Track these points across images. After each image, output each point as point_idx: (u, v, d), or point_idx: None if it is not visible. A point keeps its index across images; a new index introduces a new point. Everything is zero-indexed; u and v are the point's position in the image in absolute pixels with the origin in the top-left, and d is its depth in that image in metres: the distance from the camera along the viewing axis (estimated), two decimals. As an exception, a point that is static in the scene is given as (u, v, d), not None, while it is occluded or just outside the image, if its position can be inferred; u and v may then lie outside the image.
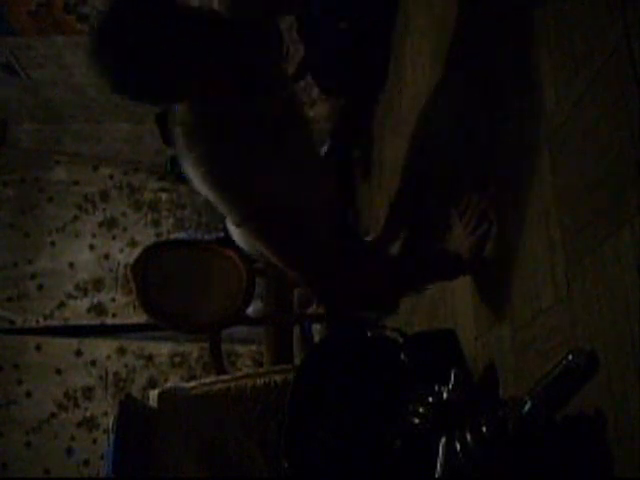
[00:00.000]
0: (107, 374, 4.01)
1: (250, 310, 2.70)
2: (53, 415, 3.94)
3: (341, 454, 1.22)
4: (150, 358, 4.04)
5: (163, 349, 4.04)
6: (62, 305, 4.12)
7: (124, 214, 4.29)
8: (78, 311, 4.12)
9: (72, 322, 4.10)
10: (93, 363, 4.03)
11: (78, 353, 4.04)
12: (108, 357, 4.03)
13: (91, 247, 4.24)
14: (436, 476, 1.03)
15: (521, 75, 1.19)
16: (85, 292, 4.15)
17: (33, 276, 4.16)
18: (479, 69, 1.42)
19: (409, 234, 1.94)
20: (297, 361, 2.98)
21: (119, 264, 4.18)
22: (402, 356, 1.30)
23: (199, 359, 4.01)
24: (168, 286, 2.51)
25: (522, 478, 0.97)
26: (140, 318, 3.87)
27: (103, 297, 4.14)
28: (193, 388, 2.19)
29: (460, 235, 1.42)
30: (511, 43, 1.25)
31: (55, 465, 3.85)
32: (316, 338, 3.22)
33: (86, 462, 3.86)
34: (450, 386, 1.11)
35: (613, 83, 0.87)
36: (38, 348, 4.03)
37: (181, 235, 4.22)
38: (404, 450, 1.13)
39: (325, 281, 1.45)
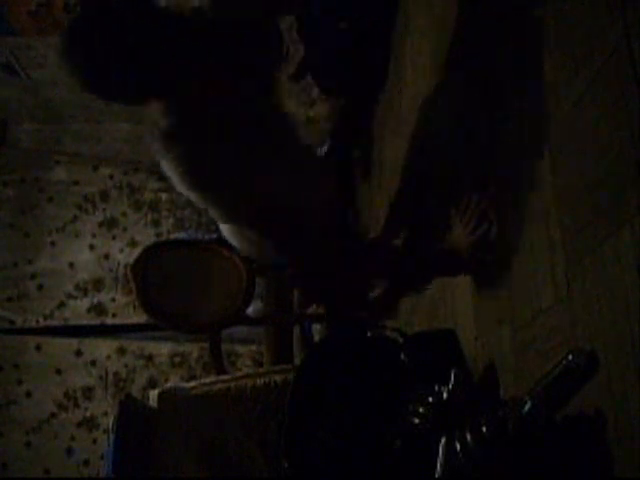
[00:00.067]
0: (107, 374, 4.01)
1: (250, 310, 2.69)
2: (53, 415, 3.94)
3: (341, 454, 1.22)
4: (150, 358, 4.04)
5: (163, 349, 4.04)
6: (62, 305, 4.12)
7: (124, 214, 4.29)
8: (78, 311, 4.12)
9: (72, 322, 4.10)
10: (93, 363, 4.03)
11: (78, 353, 4.04)
12: (108, 357, 4.03)
13: (91, 247, 4.24)
14: (436, 476, 1.03)
15: (521, 75, 1.19)
16: (85, 292, 4.15)
17: (33, 276, 4.15)
18: (479, 69, 1.42)
19: (409, 234, 1.94)
20: (297, 361, 2.98)
21: (119, 264, 4.18)
22: (402, 356, 1.30)
23: (199, 359, 4.01)
24: (168, 286, 2.51)
25: (522, 478, 0.97)
26: (140, 318, 3.87)
27: (103, 297, 4.14)
28: (193, 388, 2.19)
29: (460, 235, 1.42)
30: (511, 43, 1.25)
31: (55, 465, 3.85)
32: (316, 338, 3.22)
33: (86, 462, 3.86)
34: (450, 386, 1.11)
35: (613, 83, 0.87)
36: (38, 348, 4.03)
37: (181, 235, 4.22)
38: (404, 450, 1.13)
39: (324, 281, 1.45)
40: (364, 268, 1.49)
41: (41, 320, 4.08)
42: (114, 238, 4.25)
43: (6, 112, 4.23)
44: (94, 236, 4.25)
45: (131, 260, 2.70)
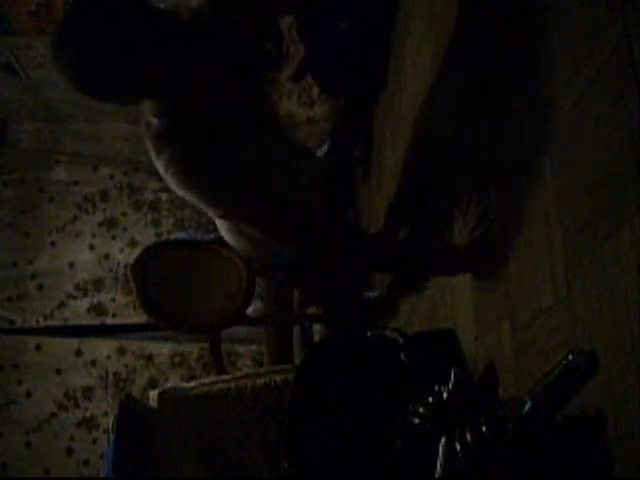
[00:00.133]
0: (107, 374, 4.01)
1: (250, 310, 2.69)
2: (53, 415, 3.94)
3: (341, 454, 1.22)
4: (150, 358, 4.04)
5: (163, 349, 4.04)
6: (62, 305, 4.12)
7: (124, 214, 4.29)
8: (78, 311, 4.12)
9: (72, 322, 4.10)
10: (93, 363, 4.03)
11: (78, 353, 4.04)
12: (108, 357, 4.03)
13: (91, 247, 4.24)
14: (436, 476, 1.03)
15: (521, 75, 1.19)
16: (85, 292, 4.15)
17: (33, 276, 4.15)
18: (479, 69, 1.42)
19: (409, 234, 1.94)
20: (297, 361, 2.98)
21: (119, 264, 4.18)
22: (402, 356, 1.30)
23: (199, 359, 4.01)
24: (168, 286, 2.51)
25: (522, 478, 0.97)
26: (140, 318, 3.87)
27: (103, 297, 4.14)
28: (193, 388, 2.19)
29: (460, 235, 1.42)
30: (511, 43, 1.25)
31: (55, 465, 3.85)
32: (316, 338, 3.22)
33: (86, 462, 3.86)
34: (450, 386, 1.11)
35: (613, 83, 0.87)
36: (38, 348, 4.03)
37: (181, 235, 4.22)
38: (404, 450, 1.13)
39: (324, 281, 1.45)
40: (364, 268, 1.49)
41: (41, 320, 4.08)
42: (114, 238, 4.25)
43: (6, 112, 4.23)
44: (94, 236, 4.25)
45: (131, 260, 2.70)
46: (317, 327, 3.26)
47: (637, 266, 0.80)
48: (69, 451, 3.89)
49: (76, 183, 4.32)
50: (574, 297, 0.96)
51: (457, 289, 1.51)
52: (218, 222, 1.70)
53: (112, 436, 2.03)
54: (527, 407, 0.95)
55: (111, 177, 4.34)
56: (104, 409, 3.90)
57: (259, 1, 1.57)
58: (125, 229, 4.27)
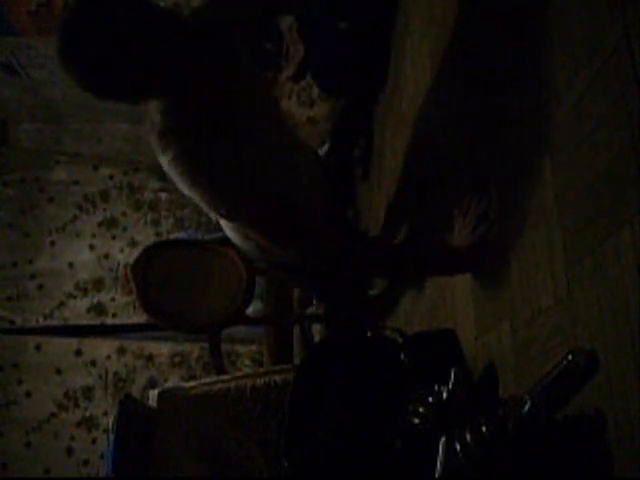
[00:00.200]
0: (107, 374, 4.01)
1: (250, 310, 2.70)
2: (53, 415, 3.94)
3: (341, 454, 1.22)
4: (150, 358, 4.04)
5: (163, 349, 4.05)
6: (62, 305, 4.12)
7: (124, 214, 4.30)
8: (78, 311, 4.12)
9: (72, 322, 4.10)
10: (93, 363, 4.03)
11: (78, 353, 4.04)
12: (108, 357, 4.04)
13: (91, 247, 4.24)
14: (436, 476, 1.03)
15: (521, 75, 1.19)
16: (85, 292, 4.15)
17: (33, 276, 4.16)
18: (479, 69, 1.42)
19: (409, 234, 1.94)
20: (297, 361, 2.98)
21: (119, 264, 4.18)
22: (402, 356, 1.30)
23: (199, 359, 4.01)
24: (168, 286, 2.51)
25: (522, 478, 0.97)
26: (140, 318, 3.87)
27: (103, 297, 4.14)
28: (193, 388, 2.19)
29: (460, 235, 1.42)
30: (511, 43, 1.25)
31: (55, 465, 3.85)
32: (316, 338, 3.22)
33: (86, 462, 3.86)
34: (450, 386, 1.11)
35: (613, 83, 0.87)
36: (38, 348, 4.03)
37: (181, 235, 4.22)
38: (404, 450, 1.13)
39: (324, 281, 1.45)
40: (364, 268, 1.49)
41: (41, 320, 4.09)
42: (114, 238, 4.26)
43: (6, 112, 4.24)
44: (94, 236, 4.26)
45: (131, 260, 2.70)
46: (317, 327, 3.26)
47: (637, 266, 0.80)
48: (69, 451, 3.89)
49: (76, 183, 4.33)
50: (574, 297, 0.96)
51: (457, 289, 1.51)
52: (222, 222, 1.70)
53: (112, 436, 2.03)
54: (527, 407, 0.95)
55: (111, 177, 4.35)
56: (104, 409, 3.91)
57: (259, 1, 1.58)
58: (125, 229, 4.27)
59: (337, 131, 2.78)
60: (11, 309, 4.09)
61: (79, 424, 3.93)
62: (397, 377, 1.27)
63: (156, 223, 4.29)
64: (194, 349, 4.01)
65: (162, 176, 4.53)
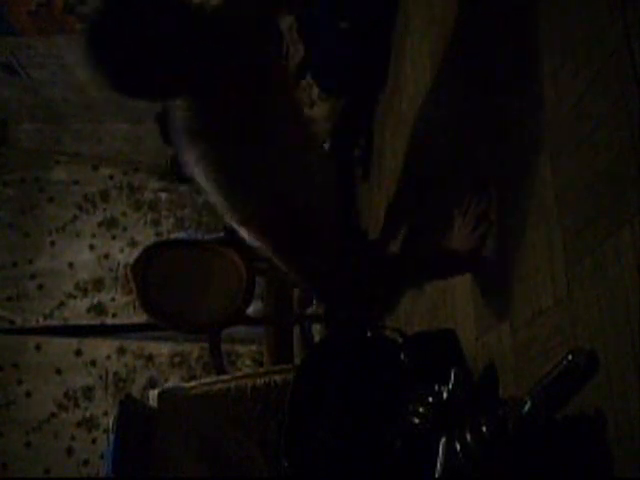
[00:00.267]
0: (107, 374, 4.01)
1: (250, 310, 2.70)
2: (53, 415, 3.94)
3: (341, 454, 1.22)
4: (150, 358, 4.04)
5: (163, 349, 4.05)
6: (62, 305, 4.13)
7: (124, 214, 4.30)
8: (78, 311, 4.12)
9: (72, 322, 4.10)
10: (93, 363, 4.03)
11: (78, 353, 4.04)
12: (108, 357, 4.04)
13: (91, 247, 4.24)
14: (436, 476, 1.03)
15: (521, 75, 1.19)
16: (85, 292, 4.15)
17: (33, 276, 4.16)
18: (479, 69, 1.42)
19: (409, 234, 1.94)
20: (297, 361, 2.98)
21: (119, 264, 4.19)
22: (402, 356, 1.30)
23: (199, 359, 4.01)
24: (168, 286, 2.51)
25: (522, 478, 0.97)
26: (140, 318, 3.87)
27: (103, 297, 4.14)
28: (193, 388, 2.19)
29: (460, 235, 1.42)
30: (511, 43, 1.25)
31: (55, 465, 3.85)
32: (316, 338, 3.22)
33: (86, 462, 3.87)
34: (450, 386, 1.11)
35: (613, 83, 0.87)
36: (38, 348, 4.03)
37: (181, 235, 4.23)
38: (404, 450, 1.13)
39: (325, 281, 1.45)
40: (364, 268, 1.49)
41: (41, 320, 4.09)
42: (114, 238, 4.26)
43: (6, 112, 4.24)
44: (94, 236, 4.26)
45: (131, 260, 2.70)
46: (317, 327, 3.26)
47: (637, 266, 0.80)
48: (69, 451, 3.89)
49: (76, 183, 4.33)
50: (574, 297, 0.96)
51: (457, 289, 1.51)
52: None
53: (112, 436, 2.03)
54: (527, 407, 0.95)
55: (111, 177, 4.35)
56: (104, 409, 3.91)
57: (264, 1, 1.57)
58: (125, 229, 4.27)
59: (337, 131, 2.78)
60: (11, 309, 4.10)
61: (79, 424, 3.93)
62: (397, 377, 1.27)
63: (156, 223, 4.29)
64: (194, 349, 4.01)
65: (162, 176, 4.53)
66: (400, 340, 1.36)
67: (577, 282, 0.96)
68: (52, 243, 4.23)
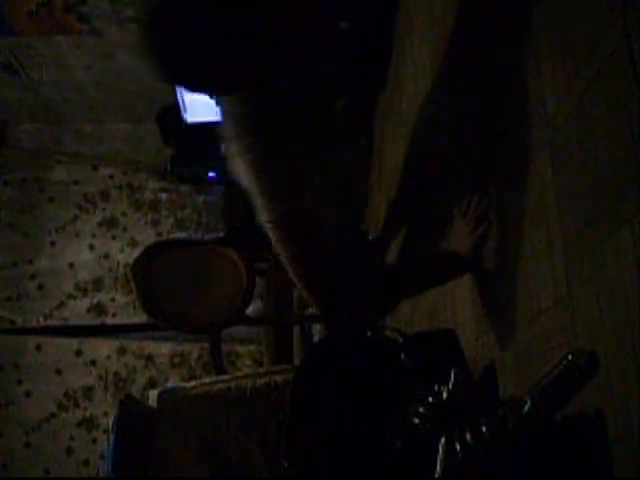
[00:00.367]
0: (107, 374, 4.01)
1: (250, 310, 2.70)
2: (53, 415, 3.94)
3: (341, 454, 1.22)
4: (150, 358, 4.04)
5: (163, 349, 4.04)
6: (62, 305, 4.12)
7: (124, 214, 4.30)
8: (78, 311, 4.12)
9: (72, 322, 4.10)
10: (93, 363, 4.03)
11: (78, 353, 4.04)
12: (108, 357, 4.04)
13: (91, 247, 4.24)
14: (436, 476, 1.03)
15: (521, 75, 1.19)
16: (85, 292, 4.15)
17: (33, 276, 4.16)
18: (479, 69, 1.42)
19: (409, 234, 1.94)
20: (297, 361, 2.98)
21: (119, 264, 4.18)
22: (402, 356, 1.30)
23: (199, 359, 4.01)
24: (168, 286, 2.51)
25: (522, 478, 0.97)
26: (140, 318, 3.87)
27: (103, 297, 4.14)
28: (193, 388, 2.19)
29: (460, 235, 1.42)
30: (511, 43, 1.25)
31: (55, 465, 3.85)
32: (316, 338, 3.22)
33: (86, 462, 3.86)
34: (450, 386, 1.11)
35: (613, 83, 0.87)
36: (38, 348, 4.03)
37: (181, 235, 4.23)
38: (404, 450, 1.13)
39: (326, 282, 1.44)
40: (364, 270, 1.49)
41: (41, 320, 4.09)
42: (114, 238, 4.25)
43: (6, 112, 4.24)
44: (94, 236, 4.25)
45: (131, 260, 2.71)
46: (317, 327, 3.26)
47: (637, 266, 0.80)
48: (69, 451, 3.89)
49: (76, 183, 4.33)
50: (574, 297, 0.96)
51: (457, 289, 1.51)
52: None
53: (112, 436, 2.03)
54: (527, 407, 0.95)
55: (111, 177, 4.34)
56: (104, 409, 3.90)
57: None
58: (125, 229, 4.27)
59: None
60: (11, 309, 4.09)
61: (79, 424, 3.93)
62: (397, 377, 1.27)
63: (156, 223, 4.29)
64: (194, 349, 4.01)
65: (162, 176, 4.52)
66: (400, 340, 1.36)
67: (577, 282, 0.96)
68: (52, 243, 4.23)
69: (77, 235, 4.25)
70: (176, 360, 4.04)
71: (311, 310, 2.98)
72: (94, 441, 3.88)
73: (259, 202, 1.39)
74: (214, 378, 2.32)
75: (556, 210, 1.03)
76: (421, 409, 1.12)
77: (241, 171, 1.39)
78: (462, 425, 1.01)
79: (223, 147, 1.42)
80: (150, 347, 4.04)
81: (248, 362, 3.98)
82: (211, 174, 3.85)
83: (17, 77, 3.87)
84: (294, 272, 1.41)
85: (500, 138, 1.29)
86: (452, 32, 1.63)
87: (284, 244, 1.40)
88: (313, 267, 1.42)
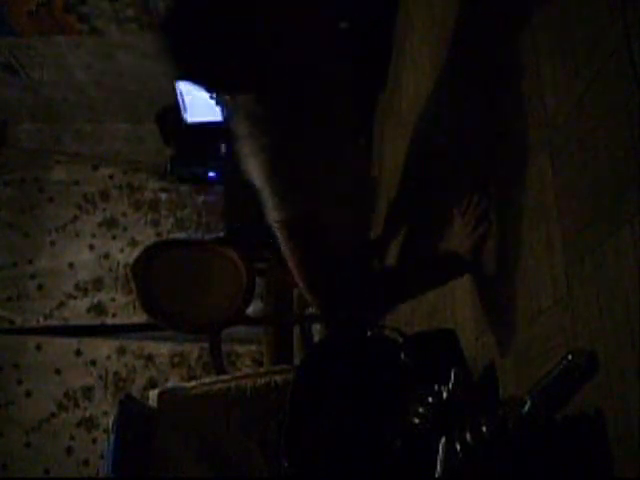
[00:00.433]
0: (107, 374, 4.01)
1: (250, 310, 2.70)
2: (53, 415, 3.94)
3: (341, 454, 1.22)
4: (150, 358, 4.04)
5: (163, 349, 4.04)
6: (62, 305, 4.12)
7: (124, 214, 4.29)
8: (78, 311, 4.12)
9: (72, 322, 4.10)
10: (93, 363, 4.03)
11: (78, 353, 4.04)
12: (108, 357, 4.03)
13: (91, 247, 4.24)
14: (436, 476, 1.03)
15: (521, 75, 1.19)
16: (85, 292, 4.15)
17: (33, 276, 4.16)
18: (479, 69, 1.42)
19: (409, 234, 1.94)
20: (297, 361, 2.98)
21: (119, 264, 4.18)
22: (402, 356, 1.30)
23: (199, 359, 4.01)
24: (168, 286, 2.51)
25: (522, 478, 0.97)
26: (140, 318, 3.87)
27: (103, 297, 4.14)
28: (193, 388, 2.18)
29: (460, 235, 1.42)
30: (511, 43, 1.25)
31: (55, 465, 3.85)
32: (316, 338, 3.22)
33: (86, 462, 3.86)
34: (450, 386, 1.11)
35: (613, 83, 0.87)
36: (38, 348, 4.03)
37: (181, 235, 4.23)
38: (404, 450, 1.13)
39: (327, 282, 1.44)
40: (365, 273, 1.49)
41: (41, 320, 4.08)
42: (114, 238, 4.25)
43: (6, 112, 4.23)
44: (94, 236, 4.25)
45: (131, 260, 2.70)
46: (317, 327, 3.26)
47: (637, 266, 0.80)
48: (69, 451, 3.89)
49: (76, 183, 4.33)
50: (574, 297, 0.96)
51: (457, 289, 1.51)
52: None
53: (112, 436, 2.03)
54: (527, 407, 0.95)
55: (111, 177, 4.34)
56: (104, 409, 3.90)
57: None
58: (125, 229, 4.27)
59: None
60: (11, 309, 4.09)
61: (79, 424, 3.93)
62: (397, 377, 1.27)
63: (156, 223, 4.29)
64: (194, 349, 4.01)
65: (162, 176, 4.52)
66: (400, 340, 1.36)
67: (577, 282, 0.96)
68: (52, 243, 4.23)
69: (77, 235, 4.25)
70: (176, 360, 4.03)
71: (311, 310, 2.98)
72: (94, 441, 3.88)
73: (270, 202, 1.39)
74: (214, 378, 2.32)
75: (556, 210, 1.03)
76: (421, 409, 1.12)
77: (253, 170, 1.39)
78: (462, 425, 1.01)
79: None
80: (150, 347, 4.04)
81: (248, 362, 3.98)
82: (211, 174, 3.85)
83: (17, 77, 3.87)
84: (298, 272, 1.41)
85: (500, 138, 1.29)
86: (452, 32, 1.63)
87: (291, 244, 1.40)
88: (315, 267, 1.41)
